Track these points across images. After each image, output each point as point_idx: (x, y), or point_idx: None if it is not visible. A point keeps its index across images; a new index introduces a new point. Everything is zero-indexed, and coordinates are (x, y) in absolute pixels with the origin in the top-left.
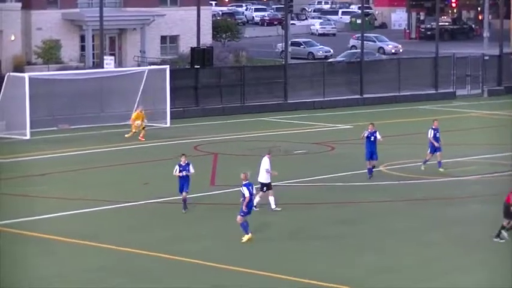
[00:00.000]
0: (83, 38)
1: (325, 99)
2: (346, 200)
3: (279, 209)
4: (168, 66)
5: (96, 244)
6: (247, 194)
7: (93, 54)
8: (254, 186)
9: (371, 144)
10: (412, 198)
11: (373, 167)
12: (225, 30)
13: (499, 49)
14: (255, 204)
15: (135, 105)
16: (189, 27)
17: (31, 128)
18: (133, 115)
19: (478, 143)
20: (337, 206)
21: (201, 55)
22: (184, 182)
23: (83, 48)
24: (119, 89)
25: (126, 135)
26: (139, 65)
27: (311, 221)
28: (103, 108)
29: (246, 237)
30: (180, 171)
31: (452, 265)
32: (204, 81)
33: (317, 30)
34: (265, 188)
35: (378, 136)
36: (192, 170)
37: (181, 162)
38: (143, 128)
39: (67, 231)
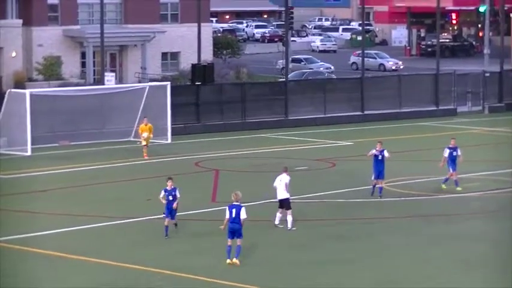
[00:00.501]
0: (83, 55)
1: (326, 115)
2: (347, 216)
3: (295, 228)
4: (169, 82)
5: (98, 260)
6: (227, 216)
7: (94, 70)
8: (243, 209)
9: (379, 163)
10: (413, 215)
11: (377, 185)
12: (225, 46)
13: (500, 66)
14: (276, 222)
15: (136, 121)
16: (190, 44)
17: (32, 144)
18: (139, 128)
19: (479, 159)
20: (338, 223)
21: (201, 72)
22: (170, 207)
23: (83, 64)
24: (120, 105)
25: (145, 154)
26: (140, 82)
27: (312, 238)
28: (104, 125)
29: (228, 261)
30: (166, 196)
31: (452, 282)
32: (205, 97)
33: (318, 47)
34: (283, 205)
35: (386, 154)
36: (178, 195)
37: (167, 187)
38: (146, 144)
39: (69, 247)
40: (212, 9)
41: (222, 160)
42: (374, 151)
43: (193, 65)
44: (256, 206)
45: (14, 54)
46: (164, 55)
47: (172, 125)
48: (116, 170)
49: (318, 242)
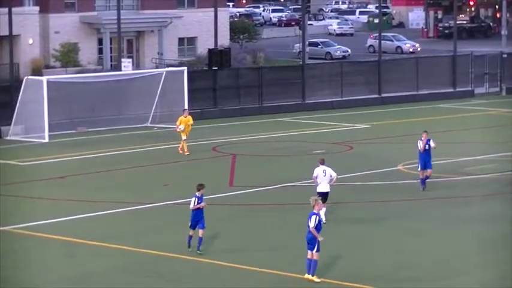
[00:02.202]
0: (100, 41)
1: (343, 99)
2: (366, 199)
3: (325, 221)
4: (185, 67)
5: (116, 246)
6: (312, 224)
7: (111, 57)
8: (314, 217)
9: (425, 154)
10: (430, 197)
11: (427, 177)
12: (242, 31)
13: None
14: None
15: (153, 107)
16: (207, 29)
17: (49, 131)
18: (179, 120)
19: (496, 141)
20: (357, 206)
21: (218, 56)
22: (201, 216)
23: (100, 51)
24: (137, 91)
25: (180, 149)
26: (157, 67)
27: (331, 221)
28: (121, 111)
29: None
30: (198, 203)
31: (470, 264)
32: (222, 82)
33: (334, 30)
34: (322, 199)
35: (432, 144)
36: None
37: (197, 194)
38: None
39: (87, 233)
40: None
41: (240, 145)
42: (420, 142)
43: (210, 50)
44: (275, 190)
45: (31, 41)
46: (181, 40)
47: (189, 110)
48: (133, 155)
49: (336, 226)
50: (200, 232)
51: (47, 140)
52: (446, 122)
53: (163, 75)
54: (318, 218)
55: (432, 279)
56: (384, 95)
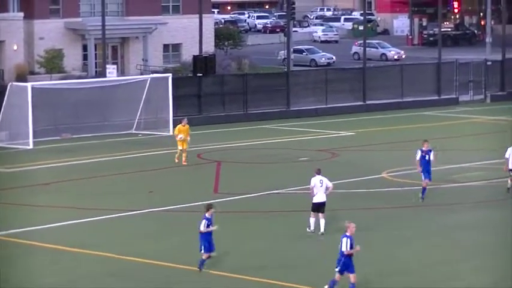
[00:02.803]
0: (85, 47)
1: (328, 106)
2: (351, 207)
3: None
4: (170, 74)
5: (99, 253)
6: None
7: (96, 63)
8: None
9: (426, 164)
10: (415, 205)
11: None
12: (227, 38)
13: (502, 54)
14: (312, 228)
15: (138, 114)
16: (192, 35)
17: (34, 137)
18: (176, 129)
19: (481, 148)
20: (340, 213)
21: (203, 63)
22: (210, 238)
23: (85, 57)
24: (122, 97)
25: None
26: (142, 74)
27: (315, 229)
28: (106, 117)
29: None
30: (207, 225)
31: (456, 270)
32: (207, 89)
33: (319, 37)
34: (319, 209)
35: (432, 157)
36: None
37: (207, 214)
38: (183, 148)
39: (71, 240)
40: (214, 0)
41: (224, 152)
42: (419, 152)
43: (194, 57)
44: (260, 197)
45: (15, 47)
46: (166, 47)
47: (174, 116)
48: (118, 162)
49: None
50: (205, 256)
51: (31, 146)
52: (431, 130)
53: (148, 81)
54: (349, 241)
55: (424, 283)
56: (368, 102)
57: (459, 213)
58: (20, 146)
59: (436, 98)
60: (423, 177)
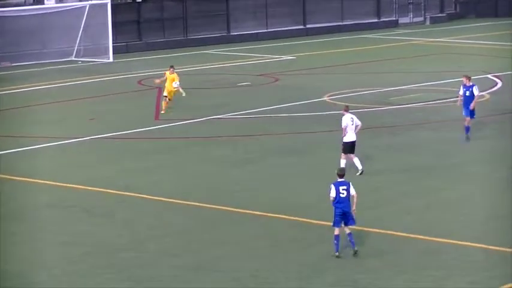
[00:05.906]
0: None
1: (268, 30)
2: (293, 130)
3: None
4: (109, 0)
5: (42, 181)
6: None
7: None
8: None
9: (467, 100)
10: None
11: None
12: None
13: None
14: (342, 166)
15: (77, 41)
16: None
17: None
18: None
19: (420, 70)
20: (283, 137)
21: None
22: None
23: None
24: (61, 25)
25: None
26: (80, 1)
27: (258, 152)
28: (46, 45)
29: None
30: None
31: (398, 192)
32: (146, 15)
33: None
34: (351, 149)
35: (475, 92)
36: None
37: None
38: (169, 96)
39: (12, 168)
40: None
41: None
42: (462, 88)
43: None
44: (200, 123)
45: None
46: None
47: (113, 43)
48: (58, 90)
49: (262, 157)
50: None
51: None
52: (370, 53)
53: (87, 8)
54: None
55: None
56: (308, 25)
57: (400, 136)
58: None
59: (376, 20)
60: (464, 114)
